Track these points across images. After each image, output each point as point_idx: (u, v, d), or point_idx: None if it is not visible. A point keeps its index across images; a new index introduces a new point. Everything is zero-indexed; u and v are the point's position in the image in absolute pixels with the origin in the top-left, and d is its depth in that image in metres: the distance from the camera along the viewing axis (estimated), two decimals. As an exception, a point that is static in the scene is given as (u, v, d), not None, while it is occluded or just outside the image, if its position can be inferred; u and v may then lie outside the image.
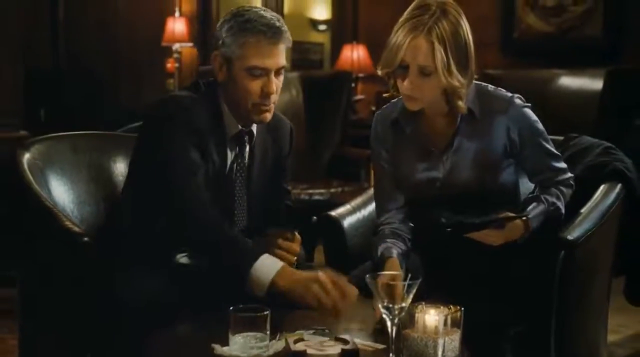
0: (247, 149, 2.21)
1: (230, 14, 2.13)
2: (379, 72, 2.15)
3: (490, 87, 2.23)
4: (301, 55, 7.57)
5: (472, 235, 2.08)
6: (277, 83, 2.10)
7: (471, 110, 2.16)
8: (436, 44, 2.01)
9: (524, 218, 2.09)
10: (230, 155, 2.17)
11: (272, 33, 2.06)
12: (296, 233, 2.14)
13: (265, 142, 2.25)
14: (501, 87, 2.24)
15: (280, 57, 2.09)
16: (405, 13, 2.08)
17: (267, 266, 1.91)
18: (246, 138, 2.19)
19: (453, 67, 2.04)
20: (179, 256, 2.10)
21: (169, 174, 2.02)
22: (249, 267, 1.90)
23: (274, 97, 2.11)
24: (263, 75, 2.07)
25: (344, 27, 7.35)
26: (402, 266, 2.13)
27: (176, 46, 6.47)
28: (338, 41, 7.28)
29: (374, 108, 6.30)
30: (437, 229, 2.07)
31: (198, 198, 2.00)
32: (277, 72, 2.10)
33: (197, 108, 2.10)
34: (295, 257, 2.12)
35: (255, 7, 2.15)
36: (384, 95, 2.25)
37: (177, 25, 6.42)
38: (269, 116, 2.14)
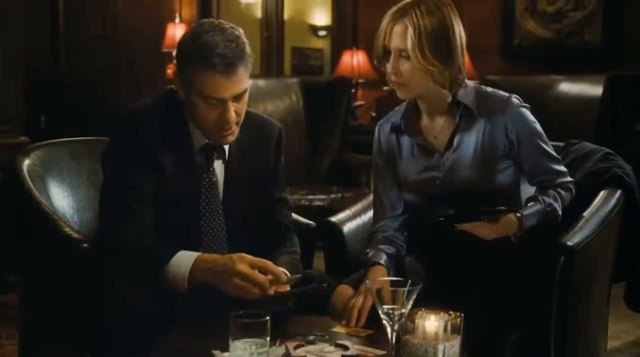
0: (221, 163, 2.15)
1: (189, 35, 2.03)
2: (374, 63, 2.24)
3: (489, 88, 2.27)
4: (301, 61, 7.58)
5: (464, 227, 2.08)
6: (238, 107, 2.03)
7: (470, 110, 2.19)
8: (409, 27, 2.09)
9: (518, 215, 2.10)
10: (197, 170, 2.11)
11: (224, 65, 1.96)
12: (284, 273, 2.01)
13: (246, 155, 2.18)
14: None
15: (237, 85, 2.00)
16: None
17: (182, 262, 1.93)
18: (215, 153, 2.13)
19: (427, 51, 2.09)
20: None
21: (100, 193, 2.11)
22: (165, 268, 1.93)
23: (236, 121, 2.04)
24: (220, 104, 2.00)
25: (344, 33, 7.37)
26: (389, 272, 2.15)
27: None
28: (338, 47, 7.30)
29: (374, 114, 6.31)
30: (432, 223, 2.09)
31: (120, 223, 2.01)
32: (239, 96, 2.03)
33: (151, 121, 2.06)
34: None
35: (215, 26, 2.02)
36: (384, 88, 2.30)
37: (177, 31, 6.42)
38: (231, 139, 2.08)
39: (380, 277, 2.06)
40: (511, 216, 2.09)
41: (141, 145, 2.04)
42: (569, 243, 2.09)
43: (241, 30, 2.06)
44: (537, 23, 6.22)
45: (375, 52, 2.20)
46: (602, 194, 2.30)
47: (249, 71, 2.04)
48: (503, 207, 2.08)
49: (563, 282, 2.07)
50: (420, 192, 2.26)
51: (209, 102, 2.01)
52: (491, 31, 6.32)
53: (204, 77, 1.98)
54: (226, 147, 2.15)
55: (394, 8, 2.14)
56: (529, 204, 2.15)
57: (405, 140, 2.29)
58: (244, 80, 2.02)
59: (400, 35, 2.11)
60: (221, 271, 1.91)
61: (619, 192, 2.31)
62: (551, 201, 2.16)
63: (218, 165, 2.15)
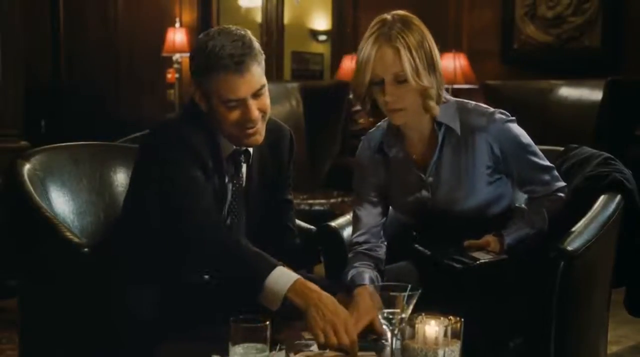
0: (244, 168, 2.17)
1: (195, 48, 2.05)
2: (352, 97, 2.19)
3: (471, 104, 2.22)
4: (301, 66, 7.59)
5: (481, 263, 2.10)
6: (260, 104, 2.04)
7: (452, 129, 2.17)
8: (401, 49, 2.05)
9: (498, 236, 2.12)
10: (227, 177, 2.13)
11: (236, 64, 1.98)
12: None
13: (263, 158, 2.21)
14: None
15: (251, 82, 2.01)
16: (367, 31, 2.13)
17: (281, 279, 1.86)
18: (242, 158, 2.15)
19: (421, 69, 2.05)
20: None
21: (177, 198, 1.99)
22: (263, 281, 1.85)
23: (261, 117, 2.06)
24: (240, 105, 2.01)
25: (344, 38, 7.37)
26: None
27: (177, 56, 6.48)
28: (338, 51, 7.31)
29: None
30: (419, 256, 2.12)
31: (209, 217, 1.98)
32: (257, 93, 2.04)
33: (192, 130, 2.05)
34: None
35: (220, 30, 2.04)
36: (360, 121, 2.29)
37: (177, 36, 6.44)
38: (260, 139, 2.08)
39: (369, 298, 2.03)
40: (492, 238, 2.11)
41: (191, 148, 2.02)
42: (569, 248, 2.08)
43: (247, 30, 2.06)
44: (537, 28, 6.22)
45: (359, 85, 2.11)
46: (602, 198, 2.29)
47: (262, 67, 2.05)
48: (488, 239, 2.11)
49: (563, 287, 2.07)
50: (412, 213, 2.26)
51: (229, 105, 2.01)
52: (491, 36, 6.33)
53: (219, 80, 1.99)
54: (250, 150, 2.15)
55: (372, 36, 2.09)
56: (515, 225, 2.16)
57: (390, 163, 2.26)
58: (258, 76, 2.03)
59: (393, 59, 2.05)
60: (316, 297, 1.84)
61: (618, 197, 2.31)
62: (537, 218, 2.17)
63: (243, 169, 2.18)
